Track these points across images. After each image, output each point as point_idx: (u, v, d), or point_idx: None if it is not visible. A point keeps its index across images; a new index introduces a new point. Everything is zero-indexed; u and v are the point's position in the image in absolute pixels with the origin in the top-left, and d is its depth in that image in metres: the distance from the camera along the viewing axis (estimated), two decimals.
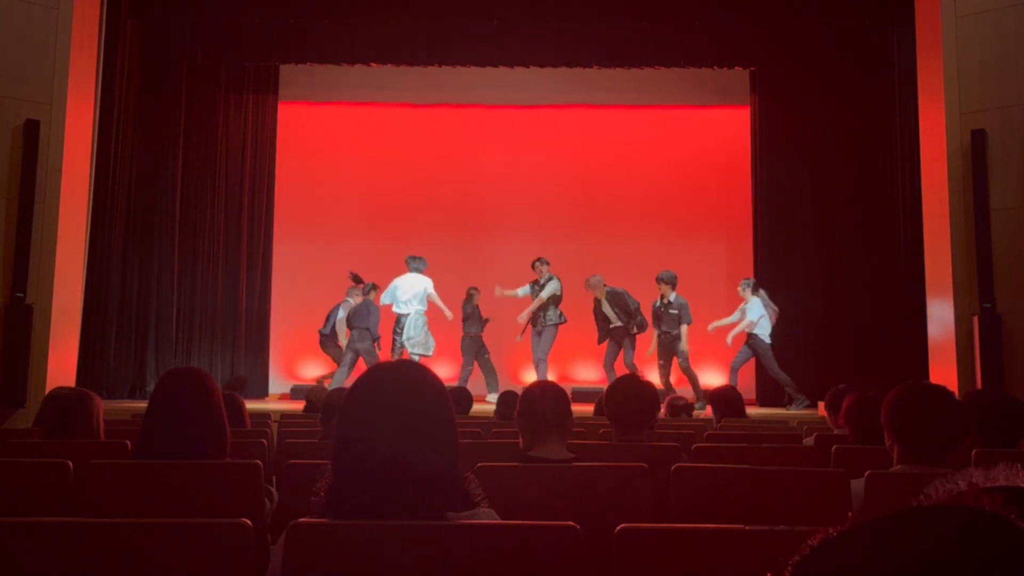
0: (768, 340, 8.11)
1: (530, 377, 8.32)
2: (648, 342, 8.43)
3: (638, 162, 10.28)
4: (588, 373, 9.52)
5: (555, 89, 10.12)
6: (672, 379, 8.25)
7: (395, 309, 8.50)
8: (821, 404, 5.72)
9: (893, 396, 2.33)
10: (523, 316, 8.45)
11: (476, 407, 6.10)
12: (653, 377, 7.90)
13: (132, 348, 8.98)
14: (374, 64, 9.41)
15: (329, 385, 7.82)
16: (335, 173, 10.22)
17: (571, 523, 1.39)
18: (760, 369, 8.52)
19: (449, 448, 1.45)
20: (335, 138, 10.32)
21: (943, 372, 6.50)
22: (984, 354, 6.11)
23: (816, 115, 9.42)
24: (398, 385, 1.46)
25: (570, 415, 2.60)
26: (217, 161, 9.61)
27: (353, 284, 8.77)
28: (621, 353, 8.31)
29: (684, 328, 8.07)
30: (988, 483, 0.77)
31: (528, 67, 9.54)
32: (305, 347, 9.89)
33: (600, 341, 8.45)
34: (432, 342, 8.48)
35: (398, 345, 8.43)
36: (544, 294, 8.36)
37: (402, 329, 8.42)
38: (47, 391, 3.68)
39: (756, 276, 9.41)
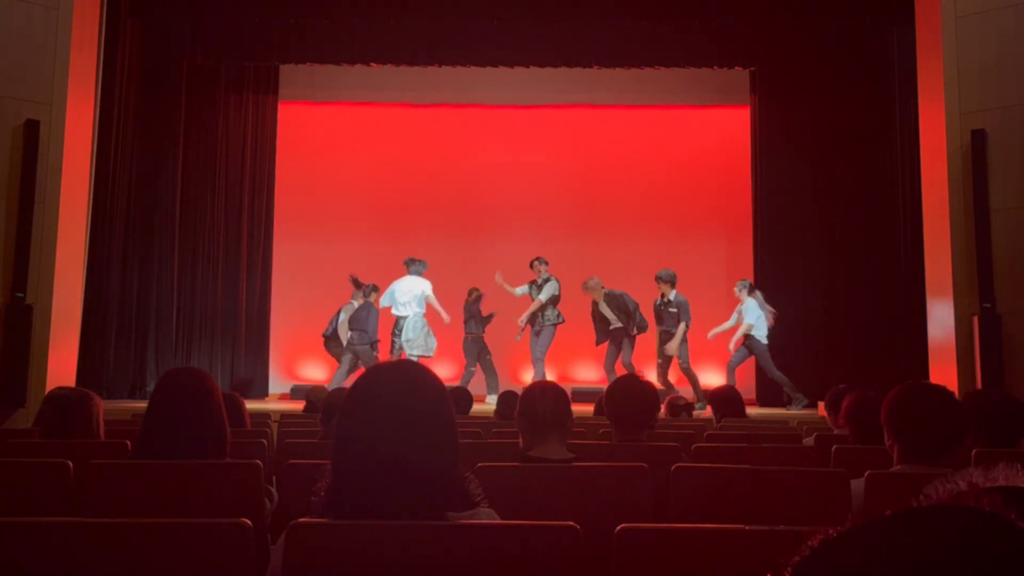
0: (765, 341, 8.11)
1: (529, 377, 8.32)
2: (654, 342, 8.42)
3: (638, 162, 10.28)
4: (588, 373, 9.53)
5: (555, 89, 10.12)
6: (672, 378, 8.24)
7: (394, 311, 8.51)
8: (821, 404, 5.72)
9: (893, 396, 2.33)
10: (523, 318, 8.45)
11: (476, 407, 6.10)
12: (652, 376, 7.90)
13: (132, 348, 8.98)
14: (374, 64, 9.41)
15: (329, 385, 7.82)
16: (335, 173, 10.22)
17: (571, 523, 1.39)
18: (760, 369, 8.52)
19: (449, 448, 1.45)
20: (335, 138, 10.32)
21: (943, 372, 6.50)
22: (984, 354, 6.11)
23: (816, 115, 9.42)
24: (398, 385, 1.46)
25: (570, 415, 2.60)
26: (217, 161, 9.61)
27: (355, 288, 8.76)
28: (621, 354, 8.31)
29: (682, 326, 8.05)
30: (988, 483, 0.77)
31: (528, 67, 9.54)
32: (305, 347, 9.89)
33: (599, 343, 8.45)
34: (433, 343, 8.48)
35: (397, 347, 8.43)
36: (543, 296, 8.35)
37: (400, 331, 8.42)
38: (47, 391, 3.68)
39: (756, 276, 9.41)
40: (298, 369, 9.98)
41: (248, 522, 1.45)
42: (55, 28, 6.61)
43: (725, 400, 5.04)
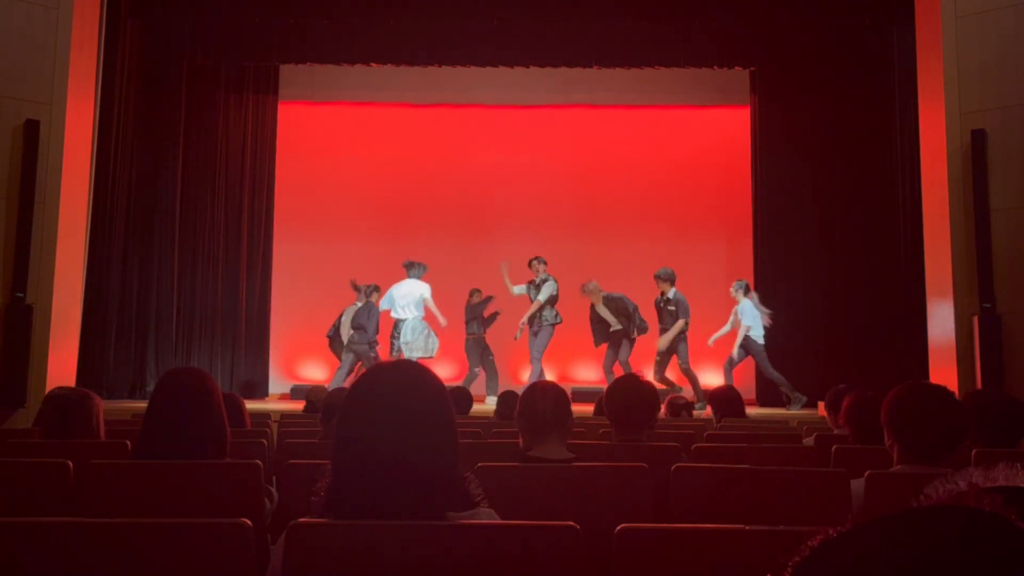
0: (761, 341, 8.10)
1: (528, 377, 8.31)
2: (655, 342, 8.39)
3: (638, 162, 10.28)
4: (588, 373, 9.52)
5: (555, 89, 10.12)
6: (671, 376, 8.22)
7: (393, 314, 8.51)
8: (821, 404, 5.72)
9: (893, 396, 2.33)
10: (525, 319, 8.45)
11: (476, 407, 6.10)
12: (650, 375, 7.89)
13: (132, 348, 8.99)
14: (374, 64, 9.41)
15: (329, 385, 7.83)
16: (335, 173, 10.23)
17: (571, 523, 1.39)
18: (759, 369, 8.51)
19: (449, 448, 1.45)
20: (335, 138, 10.32)
21: (943, 372, 6.50)
22: (984, 354, 6.11)
23: (816, 115, 9.42)
24: (398, 385, 1.46)
25: (570, 415, 2.60)
26: (217, 161, 9.61)
27: (357, 292, 8.75)
28: (619, 354, 8.32)
29: (679, 323, 8.02)
30: (988, 483, 0.77)
31: (528, 67, 9.54)
32: (305, 347, 9.89)
33: (597, 344, 8.44)
34: (433, 344, 8.47)
35: (395, 349, 8.44)
36: (542, 296, 8.34)
37: (399, 333, 8.43)
38: (47, 391, 3.68)
39: (756, 276, 9.42)
40: (298, 369, 9.98)
41: (248, 522, 1.45)
42: (55, 28, 6.62)
43: (725, 400, 5.05)
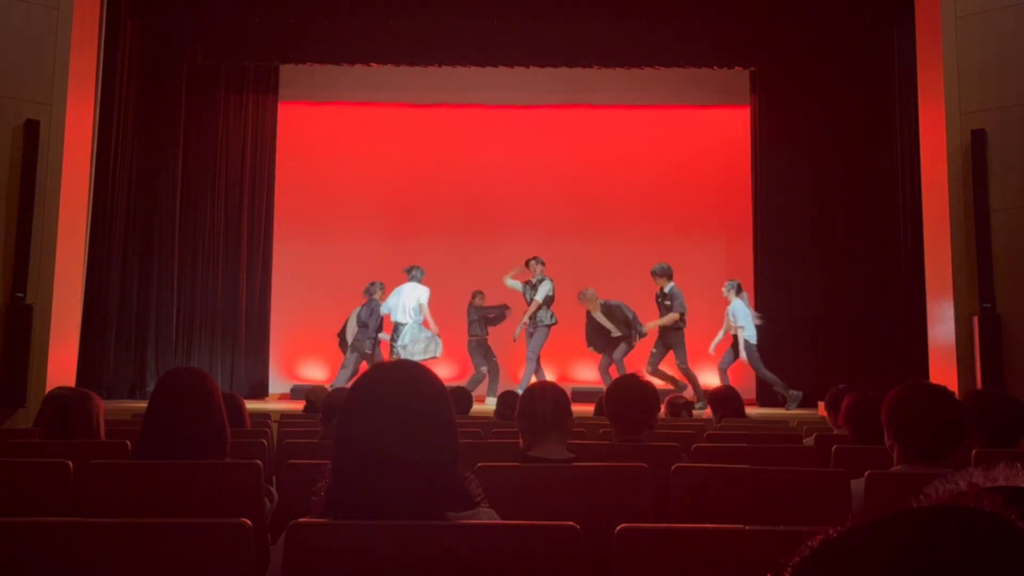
0: (754, 341, 8.10)
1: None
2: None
3: (638, 162, 10.28)
4: (588, 373, 9.52)
5: (555, 89, 10.12)
6: (669, 371, 8.18)
7: (393, 318, 8.53)
8: (821, 404, 5.72)
9: (893, 396, 2.32)
10: (524, 319, 8.46)
11: (476, 407, 6.11)
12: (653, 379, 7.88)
13: (132, 348, 8.99)
14: (374, 64, 9.41)
15: (332, 384, 7.84)
16: (335, 173, 10.22)
17: (571, 523, 1.39)
18: (753, 370, 8.49)
19: (449, 448, 1.45)
20: (335, 138, 10.32)
21: (943, 372, 6.50)
22: (984, 354, 6.11)
23: (816, 115, 9.42)
24: (398, 385, 1.46)
25: (570, 415, 2.60)
26: (217, 161, 9.61)
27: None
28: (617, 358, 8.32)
29: (672, 316, 7.99)
30: (988, 483, 0.77)
31: (528, 67, 9.54)
32: (305, 347, 9.90)
33: (600, 350, 8.43)
34: (436, 346, 8.46)
35: (394, 352, 8.45)
36: (539, 297, 8.35)
37: (399, 337, 8.45)
38: (47, 391, 3.68)
39: (756, 276, 9.42)
40: (298, 369, 9.98)
41: (248, 522, 1.45)
42: (55, 28, 6.61)
43: (724, 400, 5.05)
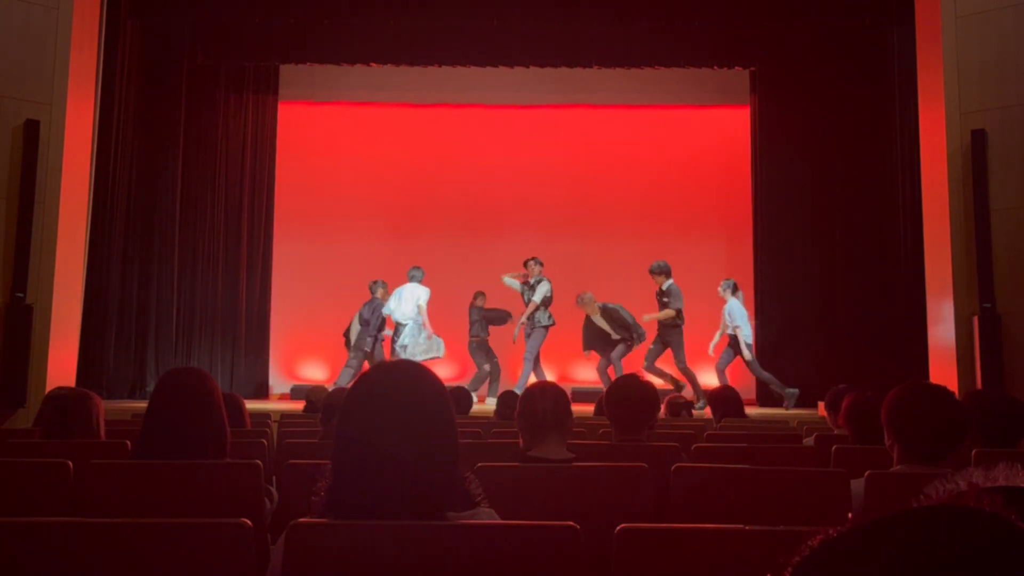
0: (749, 341, 8.10)
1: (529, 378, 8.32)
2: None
3: (638, 162, 10.28)
4: (588, 373, 9.52)
5: (555, 89, 10.12)
6: (667, 369, 8.18)
7: (394, 318, 8.53)
8: (821, 404, 5.72)
9: (893, 396, 2.32)
10: (522, 319, 8.46)
11: (476, 407, 6.10)
12: (652, 377, 7.88)
13: (132, 348, 8.99)
14: (374, 64, 9.41)
15: (335, 383, 7.86)
16: (335, 173, 10.22)
17: (571, 523, 1.39)
18: (748, 369, 8.48)
19: (449, 448, 1.45)
20: (335, 138, 10.32)
21: (943, 372, 6.50)
22: (984, 354, 6.11)
23: (816, 115, 9.42)
24: (398, 385, 1.46)
25: (570, 415, 2.60)
26: (217, 161, 9.62)
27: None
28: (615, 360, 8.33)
29: (667, 311, 7.99)
30: (988, 483, 0.77)
31: (528, 67, 9.54)
32: (305, 347, 9.90)
33: (599, 352, 8.43)
34: (437, 345, 8.46)
35: (394, 352, 8.46)
36: (537, 297, 8.36)
37: (399, 337, 8.46)
38: (47, 391, 3.68)
39: (756, 276, 9.43)
40: (298, 369, 9.98)
41: (248, 522, 1.45)
42: (55, 28, 6.61)
43: (724, 400, 5.05)
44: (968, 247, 6.30)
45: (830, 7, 8.70)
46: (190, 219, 9.43)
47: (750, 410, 6.33)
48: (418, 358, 8.20)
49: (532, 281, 8.45)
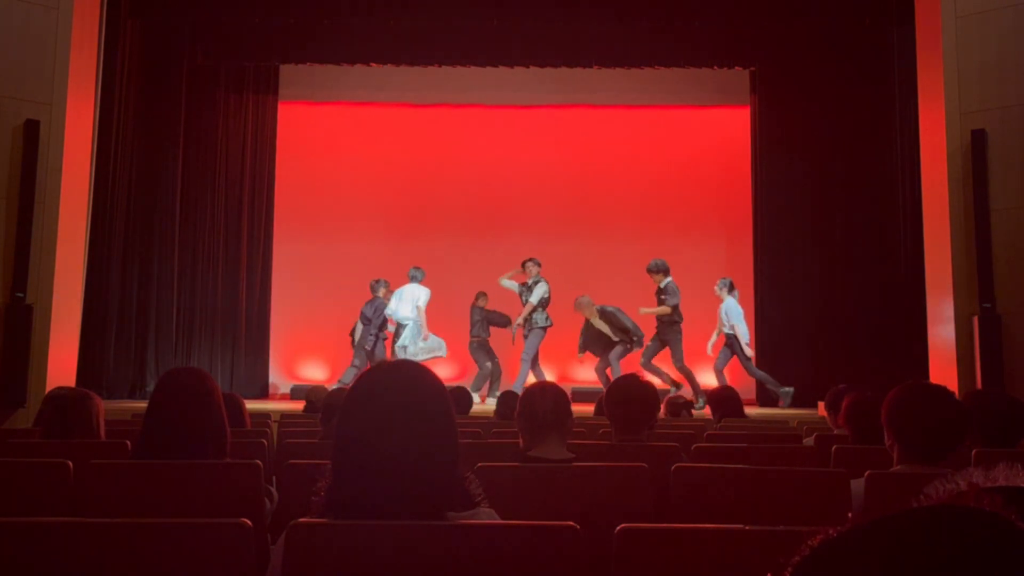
0: (747, 339, 8.10)
1: (528, 379, 8.31)
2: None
3: (638, 162, 10.28)
4: (588, 373, 9.52)
5: (555, 89, 10.12)
6: (665, 368, 8.18)
7: (395, 318, 8.54)
8: (821, 404, 5.72)
9: (893, 396, 2.32)
10: (519, 320, 8.46)
11: (476, 407, 6.10)
12: (650, 376, 7.87)
13: (132, 348, 8.98)
14: (374, 64, 9.41)
15: (338, 382, 7.87)
16: (335, 173, 10.23)
17: (571, 523, 1.39)
18: (744, 368, 8.47)
19: (449, 448, 1.45)
20: (335, 138, 10.32)
21: (943, 372, 6.50)
22: (984, 354, 6.11)
23: (816, 115, 9.42)
24: (398, 385, 1.46)
25: (570, 415, 2.60)
26: (217, 161, 9.62)
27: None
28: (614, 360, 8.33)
29: (662, 308, 7.98)
30: (988, 483, 0.77)
31: (528, 67, 9.54)
32: (305, 347, 9.90)
33: (596, 354, 8.42)
34: (437, 344, 8.46)
35: (395, 352, 8.46)
36: (534, 298, 8.36)
37: (399, 337, 8.46)
38: (47, 391, 3.68)
39: (756, 276, 9.42)
40: (298, 369, 9.98)
41: (248, 522, 1.45)
42: (55, 28, 6.61)
43: (723, 400, 5.05)
44: (968, 247, 6.30)
45: (830, 7, 8.70)
46: (190, 219, 9.43)
47: (750, 410, 6.33)
48: (420, 358, 8.20)
49: (530, 282, 8.45)
